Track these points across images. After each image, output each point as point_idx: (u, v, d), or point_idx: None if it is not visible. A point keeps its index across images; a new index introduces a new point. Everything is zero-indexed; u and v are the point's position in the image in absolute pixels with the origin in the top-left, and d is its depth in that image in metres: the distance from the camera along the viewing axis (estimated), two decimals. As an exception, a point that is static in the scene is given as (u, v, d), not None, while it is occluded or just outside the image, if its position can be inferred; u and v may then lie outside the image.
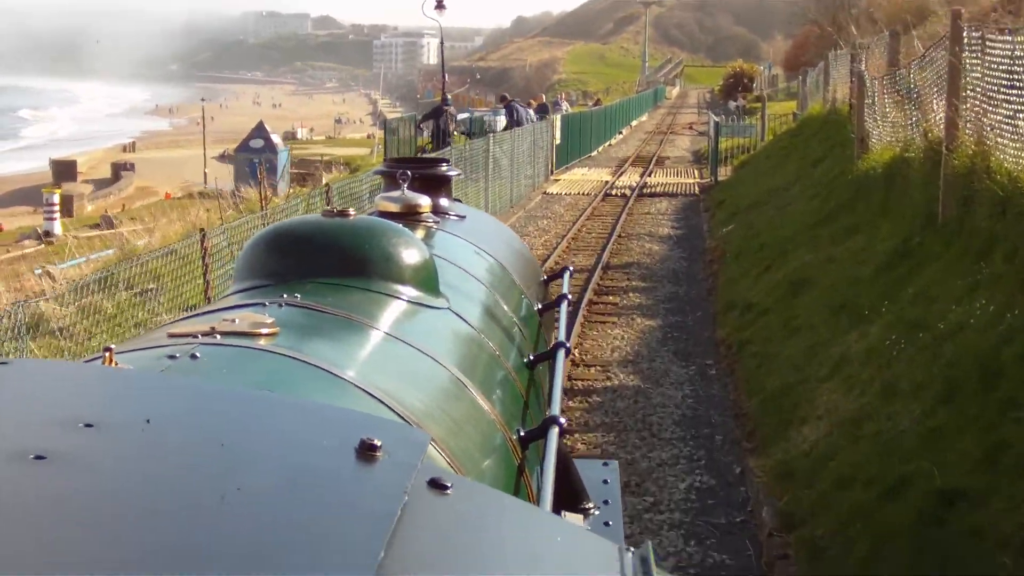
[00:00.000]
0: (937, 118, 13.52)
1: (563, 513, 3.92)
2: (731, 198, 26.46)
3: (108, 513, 1.42)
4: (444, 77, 49.32)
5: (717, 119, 35.88)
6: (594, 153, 46.69)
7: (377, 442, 1.70)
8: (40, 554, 1.29)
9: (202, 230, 13.46)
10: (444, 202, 6.33)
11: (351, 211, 4.24)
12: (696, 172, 38.47)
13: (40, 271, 19.67)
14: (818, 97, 33.69)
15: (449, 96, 34.95)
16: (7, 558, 1.26)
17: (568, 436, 10.89)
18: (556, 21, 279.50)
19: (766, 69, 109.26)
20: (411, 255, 4.12)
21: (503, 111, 35.61)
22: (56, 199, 56.28)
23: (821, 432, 9.85)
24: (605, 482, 4.89)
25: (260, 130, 75.27)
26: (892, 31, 21.43)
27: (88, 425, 1.66)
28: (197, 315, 3.68)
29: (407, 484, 1.60)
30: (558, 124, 38.35)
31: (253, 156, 71.82)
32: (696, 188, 32.89)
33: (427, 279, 4.16)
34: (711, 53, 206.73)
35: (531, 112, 41.87)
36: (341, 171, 57.70)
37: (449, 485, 1.68)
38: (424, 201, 5.66)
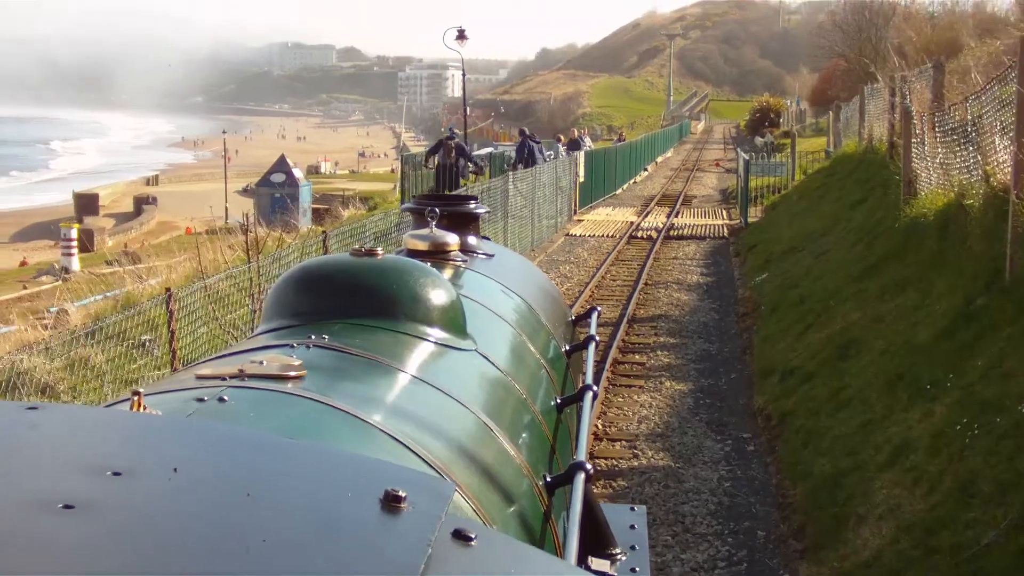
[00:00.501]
0: (1001, 160, 12.11)
1: (590, 559, 3.92)
2: (763, 242, 25.03)
3: (134, 564, 1.42)
4: (466, 110, 48.34)
5: (747, 157, 34.41)
6: (619, 191, 45.36)
7: (402, 493, 1.71)
8: None
9: (167, 289, 12.13)
10: (472, 240, 6.26)
11: (379, 250, 4.18)
12: (724, 213, 37.07)
13: (56, 310, 19.48)
14: (851, 134, 32.28)
15: (456, 129, 33.46)
16: None
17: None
18: (580, 54, 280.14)
19: (793, 104, 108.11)
20: (439, 296, 4.07)
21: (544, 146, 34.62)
22: (74, 234, 55.77)
23: (885, 538, 8.41)
24: (632, 527, 4.77)
25: (282, 164, 74.77)
26: (936, 62, 19.96)
27: (116, 473, 1.67)
28: (226, 356, 3.64)
29: (431, 535, 1.62)
30: (582, 161, 37.03)
31: (274, 191, 71.62)
32: (725, 230, 31.48)
33: (455, 321, 4.11)
34: (736, 87, 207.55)
35: (560, 147, 40.81)
36: (358, 207, 56.68)
37: (473, 536, 1.69)
38: (452, 239, 5.57)
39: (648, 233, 30.67)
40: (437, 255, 5.42)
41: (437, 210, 5.61)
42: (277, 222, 59.50)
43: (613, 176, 44.58)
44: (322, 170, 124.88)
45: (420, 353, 3.78)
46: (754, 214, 31.64)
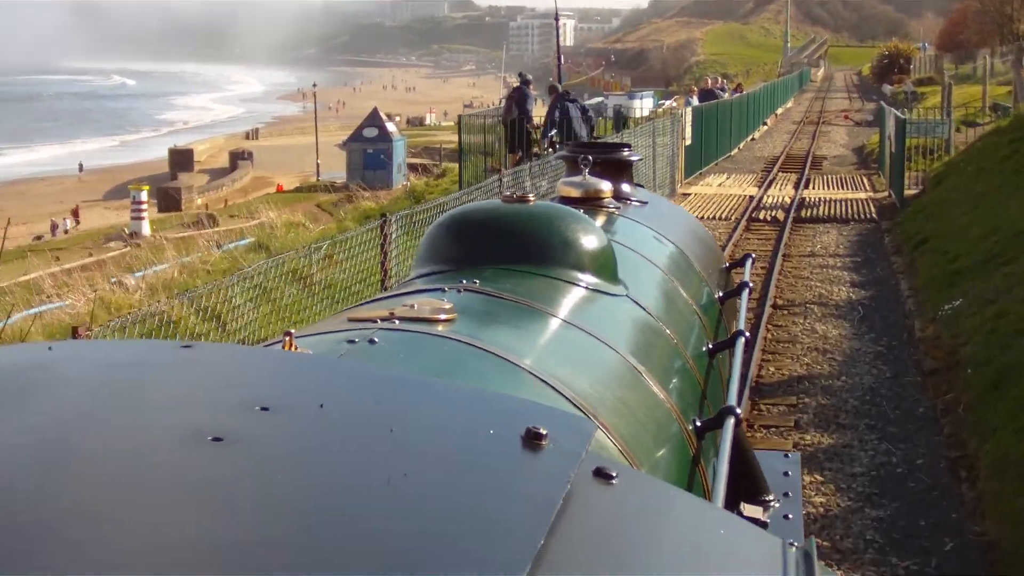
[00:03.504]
0: None
1: (742, 505, 3.84)
2: (937, 236, 17.76)
3: (279, 494, 1.45)
4: (559, 59, 42.37)
5: (899, 113, 26.80)
6: (734, 152, 38.06)
7: (543, 431, 1.69)
8: (216, 532, 1.34)
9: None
10: (625, 187, 6.19)
11: (531, 197, 4.20)
12: (866, 182, 29.70)
13: (115, 280, 18.26)
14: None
15: (529, 77, 26.77)
16: (186, 535, 1.32)
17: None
18: (695, 1, 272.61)
19: (923, 48, 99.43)
20: (590, 242, 4.06)
21: (642, 96, 28.11)
22: (144, 196, 52.00)
23: None
24: (786, 474, 4.59)
25: (374, 118, 69.43)
26: None
27: (264, 408, 1.70)
28: (379, 300, 3.77)
29: (571, 473, 1.61)
30: (688, 120, 29.91)
31: (366, 146, 66.57)
32: (872, 209, 24.21)
33: (606, 266, 4.11)
34: (855, 32, 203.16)
35: (693, 99, 35.86)
36: (438, 167, 50.72)
37: (614, 475, 1.68)
38: (605, 186, 5.58)
39: (772, 213, 23.49)
40: (590, 202, 5.39)
41: (590, 158, 5.65)
42: (369, 179, 55.16)
43: (728, 134, 37.26)
44: (427, 121, 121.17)
45: (570, 298, 3.80)
46: (908, 185, 24.27)
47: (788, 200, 25.55)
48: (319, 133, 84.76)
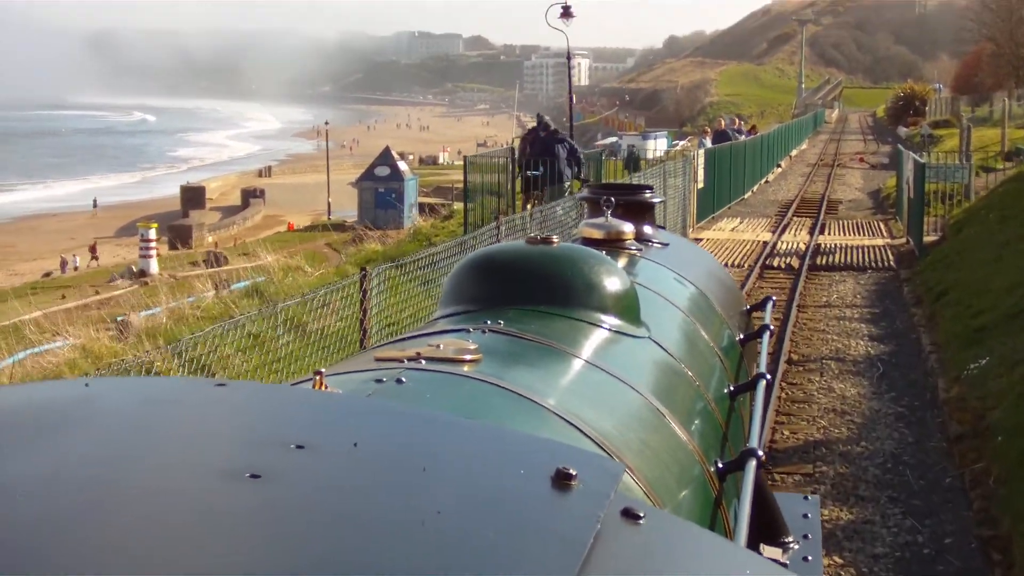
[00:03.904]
0: None
1: (761, 546, 3.87)
2: (958, 287, 17.00)
3: (318, 532, 1.46)
4: (571, 98, 42.13)
5: (919, 157, 26.00)
6: (747, 195, 37.35)
7: (573, 471, 1.72)
8: (256, 567, 1.35)
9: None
10: (648, 229, 6.24)
11: (555, 238, 4.25)
12: (883, 227, 28.93)
13: (122, 318, 18.29)
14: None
15: (546, 119, 26.20)
16: (226, 571, 1.33)
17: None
18: (709, 41, 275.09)
19: (938, 90, 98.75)
20: (613, 284, 4.14)
21: (656, 136, 27.57)
22: (152, 234, 51.61)
23: None
24: (805, 516, 4.62)
25: (386, 156, 69.26)
26: None
27: (299, 447, 1.73)
28: (404, 339, 3.78)
29: (600, 513, 1.63)
30: (701, 162, 29.23)
31: (378, 185, 66.18)
32: (890, 256, 23.43)
33: (629, 308, 4.18)
34: (869, 74, 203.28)
35: (706, 140, 35.43)
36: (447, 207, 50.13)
37: (642, 515, 1.70)
38: (627, 228, 5.67)
39: (787, 260, 22.74)
40: (612, 243, 5.47)
41: (613, 199, 5.73)
42: (380, 218, 54.64)
43: (741, 177, 36.55)
44: (440, 160, 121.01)
45: (594, 339, 3.83)
46: (927, 232, 23.46)
47: (803, 246, 24.82)
48: (333, 171, 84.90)
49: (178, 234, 69.07)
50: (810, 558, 4.19)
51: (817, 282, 20.74)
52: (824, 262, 22.89)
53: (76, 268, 59.16)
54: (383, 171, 67.60)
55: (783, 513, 4.23)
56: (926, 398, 13.02)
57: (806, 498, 5.05)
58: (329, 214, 78.85)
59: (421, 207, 59.84)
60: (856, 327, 16.76)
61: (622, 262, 5.14)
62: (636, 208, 6.21)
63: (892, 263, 22.66)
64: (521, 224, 16.14)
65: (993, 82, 76.75)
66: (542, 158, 23.82)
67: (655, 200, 6.57)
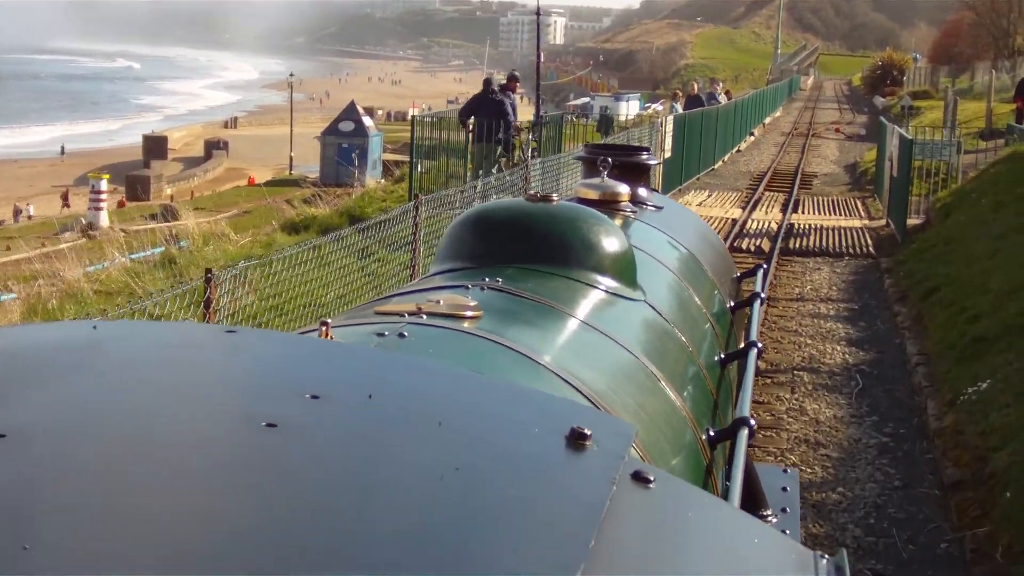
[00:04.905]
0: None
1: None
2: (950, 283, 14.94)
3: (337, 484, 1.47)
4: (539, 56, 40.52)
5: (904, 132, 23.81)
6: (717, 165, 35.22)
7: (587, 431, 1.71)
8: (273, 517, 1.35)
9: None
10: (643, 191, 6.15)
11: (554, 196, 4.18)
12: (860, 206, 26.87)
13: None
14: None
15: (517, 74, 24.68)
16: (243, 519, 1.34)
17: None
18: (686, 3, 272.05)
19: (916, 60, 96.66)
20: (612, 245, 4.07)
21: (629, 98, 26.07)
22: (103, 185, 49.83)
23: None
24: (784, 489, 4.70)
25: (351, 111, 67.04)
26: None
27: (315, 397, 1.71)
28: (402, 294, 3.77)
29: (615, 475, 1.63)
30: (669, 129, 27.08)
31: (342, 140, 64.18)
32: (868, 241, 21.35)
33: (626, 270, 4.13)
34: (847, 41, 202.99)
35: (676, 106, 33.79)
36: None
37: (652, 479, 1.69)
38: (623, 189, 5.58)
39: (757, 242, 20.68)
40: (608, 204, 5.35)
41: (609, 160, 5.59)
42: (343, 174, 52.57)
43: (712, 145, 34.39)
44: (410, 116, 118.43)
45: (591, 300, 3.81)
46: (910, 213, 21.39)
47: (775, 226, 22.72)
48: (302, 124, 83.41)
49: (135, 185, 66.87)
50: (788, 532, 4.14)
51: (789, 269, 18.70)
52: (797, 245, 20.82)
53: (30, 217, 56.75)
54: (347, 126, 65.74)
55: (762, 485, 4.27)
56: (913, 423, 11.01)
57: (785, 471, 5.17)
58: (291, 169, 77.15)
59: (385, 165, 57.65)
60: (832, 328, 14.71)
61: (617, 223, 4.96)
62: (632, 170, 6.11)
63: (871, 249, 20.58)
64: (449, 200, 14.02)
65: (972, 53, 74.91)
66: (493, 120, 22.13)
67: (651, 162, 6.49)
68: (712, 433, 3.62)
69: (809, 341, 13.92)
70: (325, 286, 11.47)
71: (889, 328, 14.71)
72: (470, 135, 22.72)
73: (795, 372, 12.54)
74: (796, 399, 11.59)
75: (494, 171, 22.51)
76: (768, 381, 12.11)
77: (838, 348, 13.68)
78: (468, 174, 23.13)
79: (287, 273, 10.90)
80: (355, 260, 12.19)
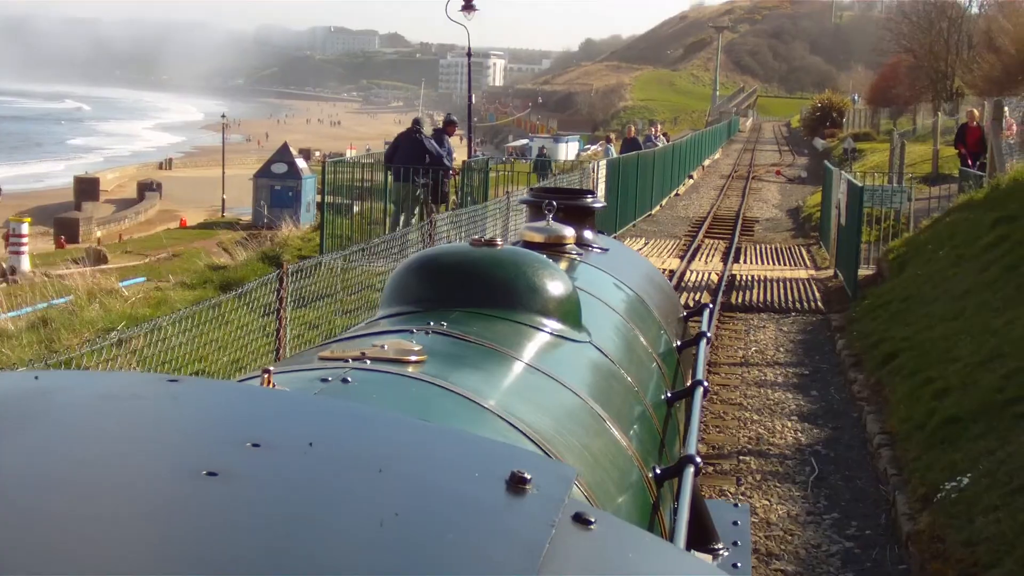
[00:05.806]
0: None
1: (692, 552, 3.69)
2: (911, 348, 13.30)
3: (277, 531, 1.46)
4: (470, 97, 39.54)
5: (852, 178, 22.25)
6: (655, 210, 33.74)
7: (527, 475, 1.71)
8: (212, 567, 1.34)
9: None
10: (588, 233, 6.17)
11: (499, 241, 4.20)
12: (805, 254, 25.42)
13: None
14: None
15: (454, 118, 23.51)
16: (184, 568, 1.33)
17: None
18: (625, 45, 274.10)
19: (854, 101, 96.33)
20: (556, 288, 4.10)
21: (568, 140, 25.04)
22: (24, 229, 47.18)
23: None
24: (735, 523, 4.78)
25: (284, 153, 65.60)
26: None
27: (255, 445, 1.70)
28: (347, 339, 3.71)
29: (555, 517, 1.63)
30: (602, 175, 25.50)
31: (274, 182, 62.63)
32: (816, 294, 19.80)
33: (571, 312, 4.14)
34: (785, 83, 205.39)
35: (611, 148, 33.96)
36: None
37: (593, 520, 1.70)
38: (569, 232, 5.60)
39: (696, 296, 19.08)
40: (553, 247, 5.41)
41: (554, 203, 5.64)
42: (277, 217, 50.77)
43: (648, 190, 32.90)
44: (346, 157, 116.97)
45: (536, 343, 3.79)
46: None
47: (716, 277, 21.16)
48: (239, 166, 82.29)
49: (64, 227, 64.84)
50: (739, 565, 4.34)
51: (731, 327, 17.09)
52: (740, 300, 19.24)
53: (-49, 261, 54.57)
54: (280, 168, 64.40)
55: (713, 520, 4.43)
56: (881, 522, 9.37)
57: (736, 505, 5.43)
58: (224, 211, 75.56)
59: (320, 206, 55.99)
60: (781, 399, 13.06)
61: (563, 266, 5.05)
62: (577, 212, 6.13)
63: (820, 304, 19.04)
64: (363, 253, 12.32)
65: (911, 95, 74.68)
66: (412, 165, 20.69)
67: (596, 205, 6.47)
68: (659, 471, 3.59)
69: (756, 417, 12.26)
70: (221, 349, 10.49)
71: (845, 398, 13.10)
72: (389, 176, 21.29)
73: (740, 458, 10.85)
74: (743, 493, 9.89)
75: (415, 212, 21.09)
76: (711, 470, 10.42)
77: (788, 425, 12.02)
78: (388, 219, 21.70)
79: (178, 338, 9.41)
80: (233, 330, 10.57)
